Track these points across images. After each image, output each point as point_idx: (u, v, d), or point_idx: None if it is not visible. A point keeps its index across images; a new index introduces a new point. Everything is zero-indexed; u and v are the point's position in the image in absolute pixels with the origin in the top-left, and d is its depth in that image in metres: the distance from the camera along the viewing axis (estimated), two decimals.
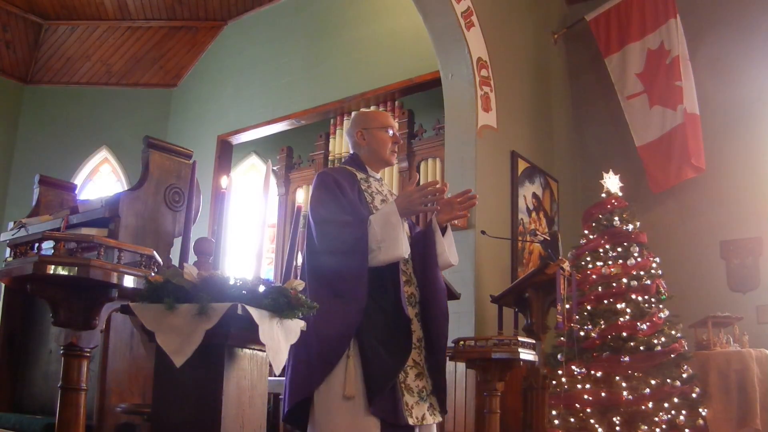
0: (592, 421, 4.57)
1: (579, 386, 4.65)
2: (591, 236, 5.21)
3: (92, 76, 8.85)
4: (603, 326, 4.78)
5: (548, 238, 4.71)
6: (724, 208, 6.06)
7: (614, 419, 4.54)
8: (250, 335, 1.83)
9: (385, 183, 2.89)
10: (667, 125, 6.07)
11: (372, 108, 6.97)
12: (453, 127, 5.47)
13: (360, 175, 2.75)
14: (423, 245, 2.67)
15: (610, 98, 6.57)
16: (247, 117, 7.83)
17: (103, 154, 8.75)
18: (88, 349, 2.29)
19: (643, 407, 4.51)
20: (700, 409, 4.59)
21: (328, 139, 7.30)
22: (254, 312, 1.80)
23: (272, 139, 8.00)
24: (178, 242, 3.25)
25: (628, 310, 4.77)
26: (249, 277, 1.89)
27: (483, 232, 4.72)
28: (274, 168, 7.65)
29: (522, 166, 5.92)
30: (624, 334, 4.70)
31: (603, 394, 4.58)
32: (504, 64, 5.83)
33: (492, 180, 5.48)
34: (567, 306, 4.06)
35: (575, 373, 4.69)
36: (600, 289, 4.94)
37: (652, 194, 6.20)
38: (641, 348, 4.65)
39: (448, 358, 2.87)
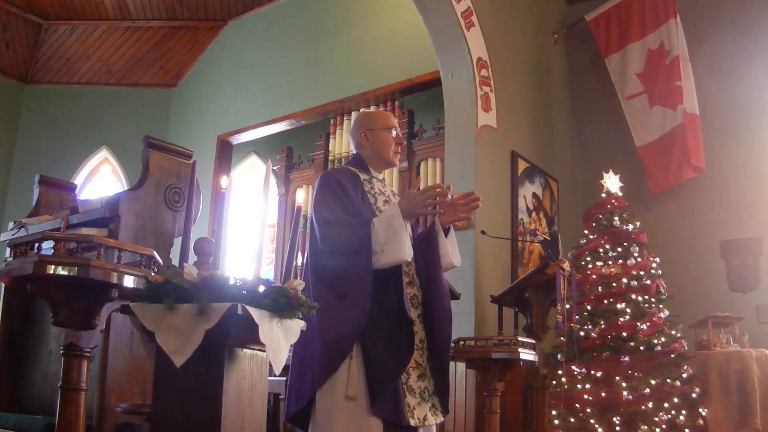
0: (592, 421, 4.57)
1: (579, 386, 4.65)
2: (591, 236, 5.21)
3: (92, 76, 8.85)
4: (603, 326, 4.77)
5: (548, 238, 4.71)
6: (724, 208, 6.05)
7: (614, 419, 4.54)
8: (250, 335, 1.83)
9: (387, 184, 2.90)
10: (667, 125, 6.07)
11: (372, 108, 6.97)
12: (453, 127, 5.47)
13: (363, 176, 2.75)
14: (426, 247, 2.68)
15: (610, 98, 6.56)
16: (247, 117, 7.83)
17: (103, 154, 8.75)
18: (88, 349, 2.29)
19: (643, 407, 4.50)
20: (700, 409, 4.59)
21: (328, 139, 7.30)
22: (254, 312, 1.80)
23: (272, 139, 8.00)
24: (178, 242, 3.25)
25: (628, 310, 4.77)
26: (249, 277, 1.89)
27: (483, 232, 4.72)
28: (274, 168, 7.65)
29: (522, 166, 5.92)
30: (624, 334, 4.70)
31: (603, 394, 4.58)
32: (504, 64, 5.83)
33: (492, 180, 5.48)
34: (567, 306, 4.06)
35: (575, 373, 4.69)
36: (600, 289, 4.94)
37: (652, 194, 6.19)
38: (641, 348, 4.65)
39: None
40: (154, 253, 2.57)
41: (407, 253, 2.49)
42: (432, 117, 6.58)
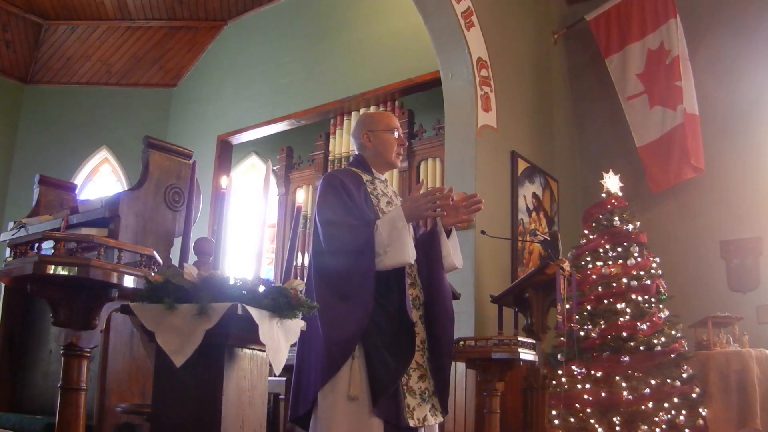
0: (592, 421, 4.57)
1: (579, 386, 4.65)
2: (591, 236, 5.21)
3: (92, 76, 8.85)
4: (603, 326, 4.77)
5: (548, 238, 4.71)
6: (724, 208, 6.05)
7: (614, 419, 4.54)
8: (250, 335, 1.83)
9: (389, 185, 2.91)
10: (667, 125, 6.07)
11: (372, 108, 6.97)
12: (453, 127, 5.47)
13: (366, 177, 2.76)
14: (428, 248, 2.69)
15: (610, 98, 6.57)
16: (247, 117, 7.83)
17: (103, 154, 8.74)
18: (88, 349, 2.29)
19: (643, 407, 4.50)
20: (700, 409, 4.59)
21: (328, 139, 7.30)
22: (254, 312, 1.80)
23: (272, 139, 8.00)
24: (178, 242, 3.25)
25: (628, 310, 4.77)
26: (249, 277, 1.89)
27: (483, 232, 4.72)
28: (274, 168, 7.65)
29: (522, 166, 5.92)
30: (624, 334, 4.70)
31: (603, 394, 4.58)
32: (504, 64, 5.83)
33: (492, 180, 5.48)
34: (567, 306, 4.06)
35: (575, 373, 4.69)
36: (600, 289, 4.94)
37: (652, 194, 6.19)
38: (641, 348, 4.65)
39: None
40: (154, 253, 2.57)
41: (410, 255, 2.51)
42: (432, 117, 6.58)
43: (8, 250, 2.94)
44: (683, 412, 4.51)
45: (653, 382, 4.56)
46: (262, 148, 8.44)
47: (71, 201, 4.36)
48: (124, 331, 3.28)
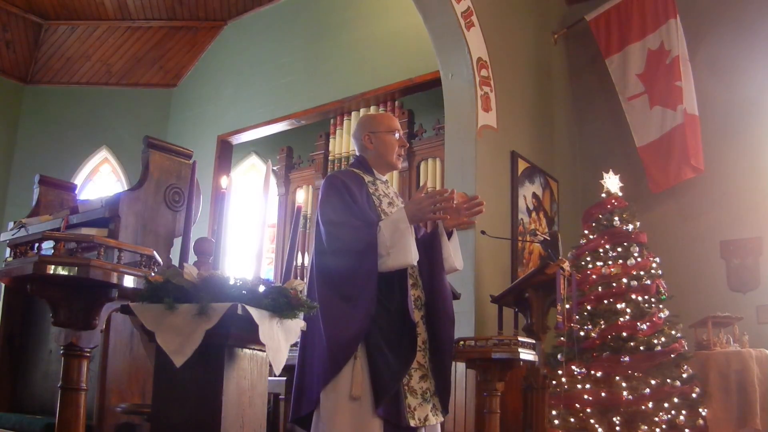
0: (592, 421, 4.57)
1: (579, 386, 4.65)
2: (591, 236, 5.21)
3: (92, 76, 8.85)
4: (603, 326, 4.77)
5: (548, 238, 4.71)
6: (724, 208, 6.05)
7: (614, 419, 4.54)
8: (250, 335, 1.83)
9: (390, 185, 2.92)
10: (667, 125, 6.07)
11: (372, 108, 6.98)
12: (453, 127, 5.47)
13: (367, 178, 2.78)
14: (429, 249, 2.70)
15: (610, 98, 6.56)
16: (247, 117, 7.83)
17: (103, 154, 8.74)
18: (88, 349, 2.29)
19: (643, 407, 4.50)
20: (700, 409, 4.58)
21: (328, 139, 7.30)
22: (254, 312, 1.80)
23: (272, 139, 8.00)
24: (178, 242, 3.25)
25: (628, 310, 4.76)
26: (249, 277, 1.90)
27: (483, 232, 4.72)
28: (274, 168, 7.65)
29: (522, 166, 5.92)
30: (624, 334, 4.69)
31: (603, 394, 4.58)
32: (504, 64, 5.83)
33: (492, 180, 5.48)
34: (567, 306, 4.06)
35: (575, 373, 4.69)
36: (600, 289, 4.93)
37: (652, 194, 6.19)
38: (641, 348, 4.64)
39: None
40: (154, 253, 2.57)
41: (413, 256, 2.52)
42: (432, 117, 6.58)
43: (8, 250, 2.94)
44: (683, 412, 4.51)
45: (653, 382, 4.56)
46: (262, 148, 8.44)
47: (71, 201, 4.36)
48: (124, 331, 3.28)
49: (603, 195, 5.34)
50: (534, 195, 6.06)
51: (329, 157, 7.22)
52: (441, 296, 2.64)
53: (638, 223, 5.20)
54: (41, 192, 4.34)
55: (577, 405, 4.62)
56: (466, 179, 5.19)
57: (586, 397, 4.61)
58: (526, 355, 3.52)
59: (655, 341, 4.66)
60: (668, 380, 4.58)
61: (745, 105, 6.11)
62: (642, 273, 4.92)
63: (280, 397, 4.00)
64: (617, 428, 4.52)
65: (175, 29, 8.46)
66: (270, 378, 2.24)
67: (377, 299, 2.47)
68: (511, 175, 5.80)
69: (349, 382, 2.41)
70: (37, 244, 2.68)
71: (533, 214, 6.01)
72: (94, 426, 3.13)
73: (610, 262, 4.98)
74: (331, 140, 7.25)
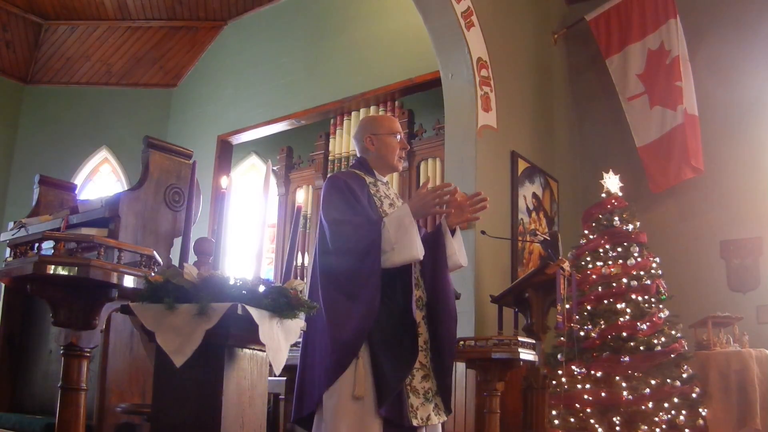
0: (592, 421, 4.57)
1: (579, 386, 4.65)
2: (591, 236, 5.21)
3: (92, 76, 8.85)
4: (603, 326, 4.77)
5: (548, 238, 4.71)
6: (724, 208, 6.05)
7: (614, 419, 4.54)
8: (250, 335, 1.83)
9: (391, 186, 2.93)
10: (667, 125, 6.07)
11: (372, 108, 6.98)
12: (453, 127, 5.47)
13: (368, 179, 2.79)
14: (433, 247, 2.70)
15: (610, 98, 6.56)
16: (247, 117, 7.82)
17: (103, 154, 8.74)
18: (88, 349, 2.29)
19: (643, 407, 4.50)
20: (700, 409, 4.58)
21: (328, 139, 7.30)
22: (254, 312, 1.80)
23: (272, 139, 8.00)
24: (178, 242, 3.25)
25: (628, 310, 4.76)
26: (249, 277, 1.89)
27: (483, 232, 4.72)
28: (274, 168, 7.65)
29: (522, 166, 5.92)
30: (624, 334, 4.69)
31: (603, 394, 4.58)
32: (504, 64, 5.83)
33: (492, 180, 5.48)
34: (567, 306, 4.06)
35: (575, 373, 4.69)
36: (600, 289, 4.93)
37: (652, 194, 6.19)
38: (641, 348, 4.64)
39: None
40: (154, 253, 2.57)
41: (419, 251, 2.52)
42: (432, 117, 6.58)
43: (8, 250, 2.94)
44: (683, 412, 4.51)
45: (653, 382, 4.56)
46: (262, 148, 8.43)
47: (71, 201, 4.36)
48: (124, 331, 3.29)
49: (603, 195, 5.34)
50: (534, 195, 6.06)
51: (329, 157, 7.22)
52: (444, 294, 2.65)
53: (638, 223, 5.20)
54: (41, 192, 4.34)
55: (577, 405, 4.62)
56: (466, 179, 5.19)
57: (586, 397, 4.61)
58: (526, 355, 3.53)
59: (655, 341, 4.66)
60: (668, 380, 4.58)
61: (745, 105, 6.11)
62: (642, 273, 4.92)
63: (280, 397, 4.00)
64: (617, 428, 4.52)
65: (175, 29, 8.46)
66: (270, 378, 2.24)
67: (381, 299, 2.47)
68: (511, 175, 5.80)
69: (352, 382, 2.41)
70: (37, 244, 2.68)
71: (533, 214, 6.01)
72: (94, 426, 3.13)
73: (610, 262, 4.98)
74: (331, 140, 7.25)
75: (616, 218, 5.16)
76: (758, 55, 6.13)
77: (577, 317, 4.54)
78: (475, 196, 2.74)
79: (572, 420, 4.61)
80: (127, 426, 3.19)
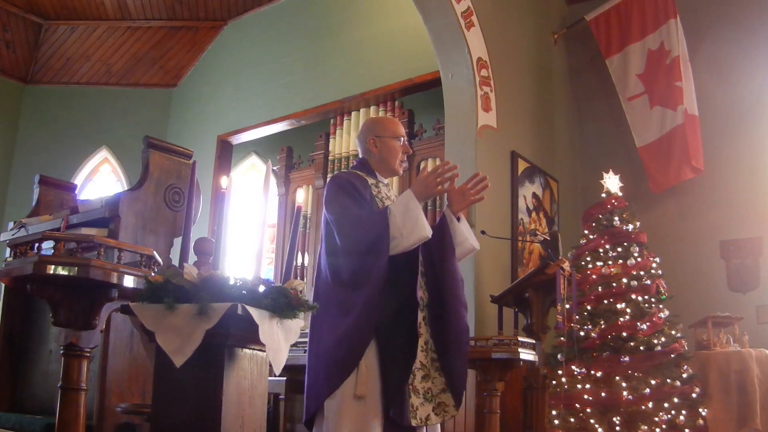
0: (592, 421, 4.57)
1: (579, 386, 4.65)
2: (591, 236, 5.21)
3: (92, 76, 8.85)
4: (603, 326, 4.77)
5: (548, 238, 4.71)
6: (724, 208, 6.05)
7: (614, 419, 4.54)
8: (250, 335, 1.83)
9: (392, 188, 2.94)
10: (667, 125, 6.07)
11: (372, 108, 6.98)
12: (453, 127, 5.47)
13: (370, 181, 2.80)
14: (438, 239, 2.71)
15: (610, 98, 6.56)
16: (247, 117, 7.82)
17: (103, 154, 8.74)
18: (88, 349, 2.30)
19: (643, 407, 4.50)
20: (700, 409, 4.58)
21: (328, 139, 7.30)
22: (254, 312, 1.80)
23: (272, 139, 8.00)
24: (178, 242, 3.25)
25: (628, 310, 4.76)
26: (249, 277, 1.89)
27: (483, 232, 4.72)
28: (274, 168, 7.65)
29: (522, 166, 5.92)
30: (624, 334, 4.69)
31: (603, 394, 4.58)
32: (504, 64, 5.83)
33: (492, 180, 5.40)
34: (567, 306, 4.07)
35: (575, 373, 4.69)
36: (600, 289, 4.93)
37: (652, 194, 6.19)
38: (641, 348, 4.64)
39: None
40: (154, 253, 2.57)
41: (427, 230, 2.54)
42: (432, 117, 6.58)
43: (8, 250, 2.94)
44: (683, 412, 4.51)
45: (653, 382, 4.56)
46: (262, 148, 8.43)
47: (71, 201, 4.36)
48: (124, 331, 3.29)
49: (603, 195, 5.34)
50: (534, 195, 6.06)
51: (329, 157, 7.21)
52: (453, 282, 2.65)
53: (638, 223, 5.20)
54: (41, 192, 4.34)
55: (577, 405, 4.62)
56: (466, 179, 5.18)
57: (586, 397, 4.61)
58: (526, 355, 3.53)
59: (655, 341, 4.66)
60: (668, 380, 4.58)
61: (745, 105, 6.10)
62: (642, 273, 4.92)
63: (280, 397, 4.01)
64: (617, 428, 4.52)
65: (175, 29, 8.46)
66: (270, 378, 2.24)
67: (385, 296, 2.49)
68: (511, 175, 5.80)
69: (354, 382, 2.42)
70: (37, 244, 2.68)
71: (533, 214, 6.01)
72: (94, 426, 3.13)
73: (610, 262, 4.98)
74: (331, 140, 7.25)
75: (616, 218, 5.16)
76: (758, 55, 6.13)
77: (577, 317, 4.54)
78: (474, 178, 2.74)
79: (572, 420, 4.61)
80: (127, 426, 3.19)
